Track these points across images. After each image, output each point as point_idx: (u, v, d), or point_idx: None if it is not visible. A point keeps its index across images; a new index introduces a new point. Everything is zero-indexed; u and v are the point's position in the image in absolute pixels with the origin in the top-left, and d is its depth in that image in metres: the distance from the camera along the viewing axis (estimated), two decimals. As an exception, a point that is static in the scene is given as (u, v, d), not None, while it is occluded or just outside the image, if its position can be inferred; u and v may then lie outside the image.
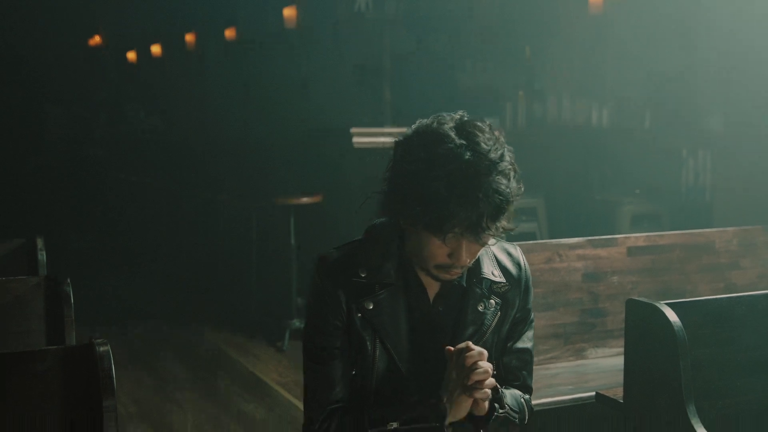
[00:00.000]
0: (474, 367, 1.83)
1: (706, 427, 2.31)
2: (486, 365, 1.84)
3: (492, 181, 1.79)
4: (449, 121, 1.88)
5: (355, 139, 5.51)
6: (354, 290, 1.95)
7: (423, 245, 1.88)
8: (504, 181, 1.81)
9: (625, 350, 2.57)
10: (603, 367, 3.30)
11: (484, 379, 1.83)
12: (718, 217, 5.28)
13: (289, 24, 8.22)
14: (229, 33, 10.01)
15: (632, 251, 3.59)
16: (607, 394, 2.76)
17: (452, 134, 1.83)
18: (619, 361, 2.66)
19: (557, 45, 6.73)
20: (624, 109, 6.41)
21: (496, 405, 1.91)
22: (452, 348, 1.88)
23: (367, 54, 7.49)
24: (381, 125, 6.82)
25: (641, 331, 2.49)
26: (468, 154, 1.80)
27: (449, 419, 1.87)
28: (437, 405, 1.87)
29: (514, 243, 2.14)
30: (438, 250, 1.86)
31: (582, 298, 3.46)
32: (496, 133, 1.89)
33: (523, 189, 1.87)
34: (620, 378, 2.61)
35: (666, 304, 2.44)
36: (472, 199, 1.78)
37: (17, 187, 7.96)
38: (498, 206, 1.81)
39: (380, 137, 5.52)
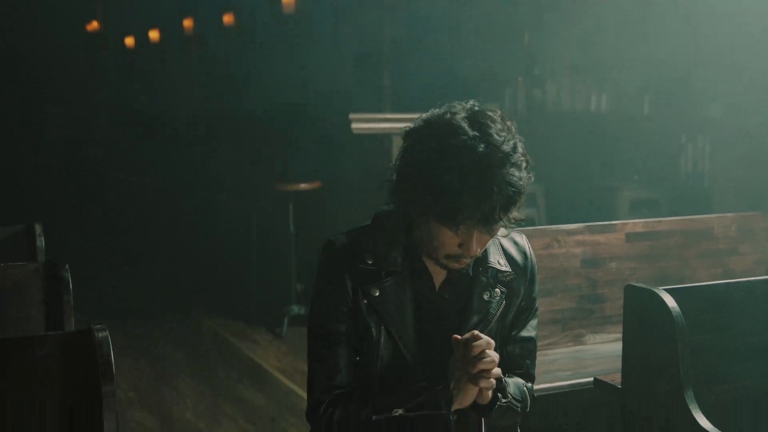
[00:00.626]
0: (481, 356, 1.83)
1: (704, 413, 2.31)
2: (493, 355, 1.84)
3: (505, 174, 1.79)
4: (461, 110, 1.87)
5: (354, 125, 5.50)
6: (360, 277, 1.95)
7: (433, 235, 1.88)
8: (517, 173, 1.81)
9: (623, 336, 2.57)
10: (601, 353, 3.31)
11: (491, 369, 1.83)
12: (716, 203, 5.28)
13: (287, 10, 8.20)
14: (228, 19, 9.99)
15: (631, 237, 3.59)
16: (605, 380, 2.77)
17: (465, 125, 1.82)
18: (618, 346, 2.67)
19: (557, 31, 6.71)
20: (623, 96, 6.40)
21: (499, 394, 1.92)
22: (459, 337, 1.88)
23: (367, 39, 7.47)
24: (380, 111, 6.81)
25: (640, 316, 2.49)
26: (481, 146, 1.79)
27: (454, 407, 1.88)
28: (443, 392, 1.88)
29: (520, 231, 2.14)
30: (449, 240, 1.86)
31: (580, 284, 3.46)
32: (508, 123, 1.88)
33: (533, 178, 1.87)
34: (618, 364, 2.61)
35: (664, 289, 2.45)
36: (485, 192, 1.78)
37: (17, 187, 7.96)
38: (511, 198, 1.81)
39: (380, 123, 5.51)
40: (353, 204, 5.46)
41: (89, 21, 12.21)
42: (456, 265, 1.93)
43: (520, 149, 1.84)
